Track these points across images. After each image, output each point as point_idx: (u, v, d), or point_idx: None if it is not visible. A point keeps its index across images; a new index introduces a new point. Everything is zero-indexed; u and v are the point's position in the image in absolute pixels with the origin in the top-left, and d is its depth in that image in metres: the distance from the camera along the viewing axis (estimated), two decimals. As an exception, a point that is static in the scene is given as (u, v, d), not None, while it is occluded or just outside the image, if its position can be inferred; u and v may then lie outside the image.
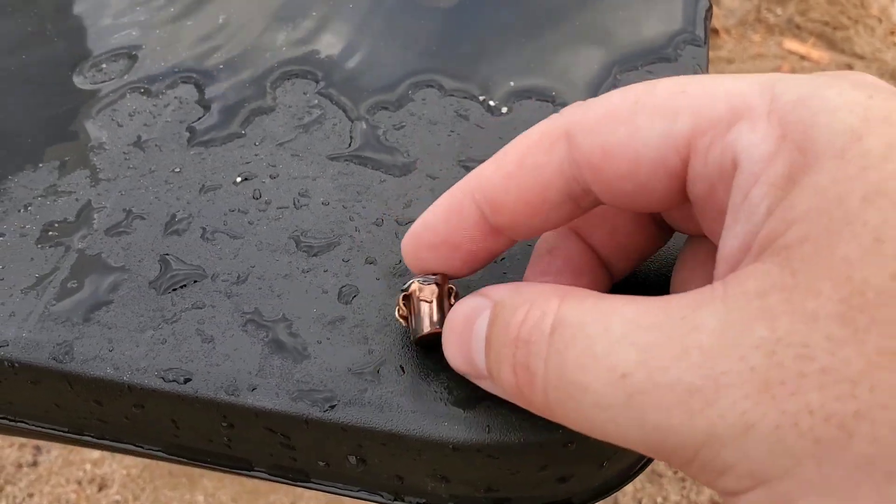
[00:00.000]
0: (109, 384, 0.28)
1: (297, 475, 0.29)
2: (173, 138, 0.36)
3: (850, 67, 1.50)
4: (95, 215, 0.33)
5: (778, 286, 0.18)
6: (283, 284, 0.30)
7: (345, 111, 0.37)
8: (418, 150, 0.35)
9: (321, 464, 0.29)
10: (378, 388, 0.27)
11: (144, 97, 0.38)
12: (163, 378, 0.28)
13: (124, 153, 0.35)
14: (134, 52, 0.40)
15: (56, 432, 0.31)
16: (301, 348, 0.28)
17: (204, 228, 0.32)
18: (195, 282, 0.30)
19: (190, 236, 0.32)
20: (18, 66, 0.40)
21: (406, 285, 0.27)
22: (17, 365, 0.29)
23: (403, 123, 0.36)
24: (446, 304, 0.27)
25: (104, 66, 0.39)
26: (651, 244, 0.28)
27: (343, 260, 0.31)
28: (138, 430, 0.30)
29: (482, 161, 0.34)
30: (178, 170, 0.34)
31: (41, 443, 1.10)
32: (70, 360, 0.28)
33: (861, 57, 1.55)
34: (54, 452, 1.11)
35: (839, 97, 0.20)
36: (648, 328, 0.20)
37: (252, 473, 0.30)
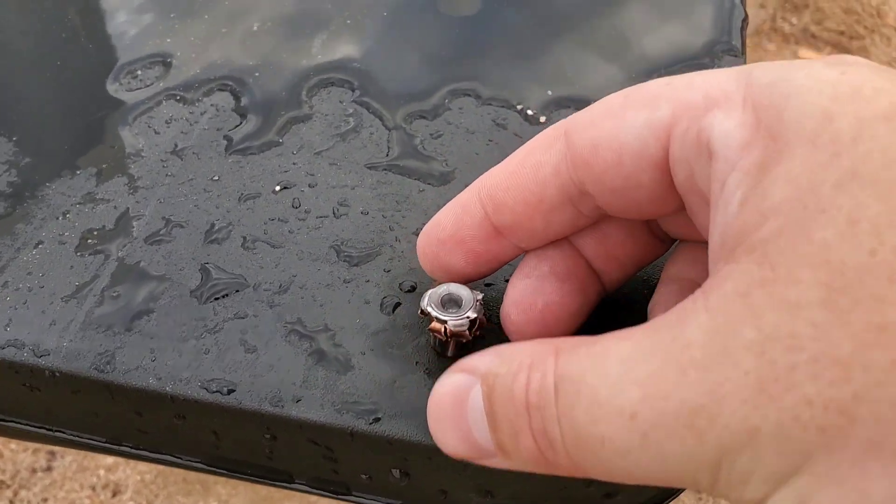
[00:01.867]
0: (152, 395, 0.28)
1: (338, 487, 0.29)
2: (211, 146, 0.36)
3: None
4: (134, 223, 0.33)
5: (758, 282, 0.18)
6: (325, 294, 0.30)
7: (381, 120, 0.36)
8: (456, 159, 0.35)
9: (364, 476, 0.28)
10: (423, 401, 0.27)
11: (181, 104, 0.37)
12: (206, 389, 0.28)
13: (162, 161, 0.35)
14: (169, 59, 0.40)
15: (94, 442, 0.31)
16: (345, 359, 0.28)
17: (244, 237, 0.32)
18: (237, 291, 0.30)
19: (230, 245, 0.32)
20: (53, 73, 0.39)
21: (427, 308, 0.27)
22: (58, 374, 0.29)
23: (441, 132, 0.36)
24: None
25: (139, 72, 0.39)
26: (645, 253, 0.28)
27: (384, 270, 0.31)
28: (178, 441, 0.30)
29: (522, 171, 0.34)
30: (216, 178, 0.34)
31: (56, 448, 1.10)
32: (112, 369, 0.28)
33: (877, 66, 1.54)
34: (68, 458, 1.11)
35: (809, 78, 0.20)
36: (643, 359, 0.19)
37: (293, 486, 0.30)
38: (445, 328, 0.27)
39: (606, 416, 0.20)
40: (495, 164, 0.34)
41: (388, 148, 0.35)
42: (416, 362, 0.28)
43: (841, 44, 1.58)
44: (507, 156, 0.35)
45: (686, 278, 0.26)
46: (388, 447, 0.27)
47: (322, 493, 0.29)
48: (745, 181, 0.20)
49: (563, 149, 0.24)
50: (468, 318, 0.27)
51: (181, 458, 0.30)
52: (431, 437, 0.26)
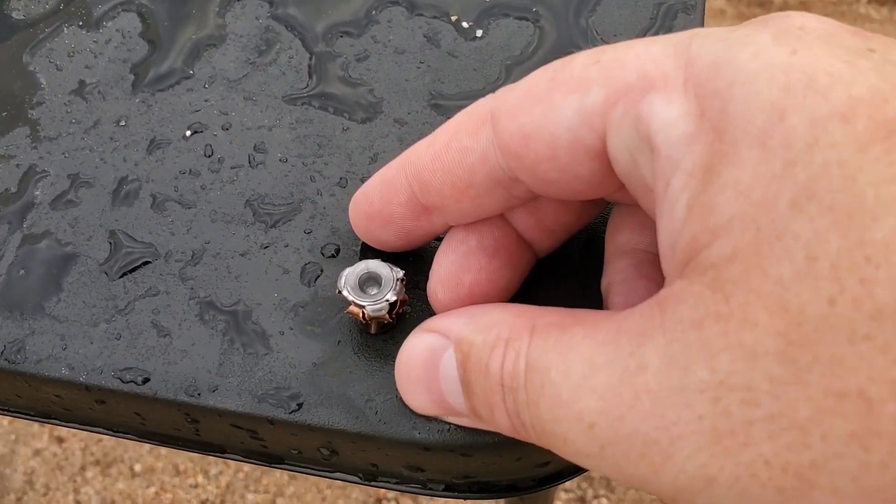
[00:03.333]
0: (66, 384, 0.27)
1: (270, 459, 0.29)
2: (117, 83, 0.32)
3: None
4: (39, 184, 0.30)
5: (712, 315, 0.17)
6: (241, 264, 0.28)
7: (302, 40, 0.33)
8: (384, 87, 0.32)
9: (293, 451, 0.28)
10: (346, 386, 0.26)
11: (84, 31, 0.34)
12: (120, 379, 0.27)
13: (65, 104, 0.32)
14: (67, -29, 0.36)
15: (24, 416, 0.30)
16: (262, 341, 0.27)
17: (154, 196, 0.30)
18: (147, 263, 0.28)
19: (140, 206, 0.30)
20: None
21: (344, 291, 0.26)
22: (-30, 365, 0.27)
23: (367, 53, 0.32)
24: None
25: (36, -10, 0.35)
26: (579, 219, 0.26)
27: (305, 231, 0.29)
28: (105, 418, 0.29)
29: (455, 100, 0.31)
30: (123, 123, 0.31)
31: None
32: (23, 360, 0.27)
33: None
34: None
35: (756, 60, 0.17)
36: (603, 367, 0.19)
37: (226, 456, 0.29)
38: (363, 312, 0.25)
39: (566, 419, 0.19)
40: (426, 93, 0.31)
41: (310, 76, 0.32)
42: (339, 341, 0.27)
43: None
44: (440, 80, 0.32)
45: (638, 249, 0.24)
46: (312, 432, 0.26)
47: (255, 462, 0.29)
48: (691, 184, 0.18)
49: (491, 135, 0.22)
50: (387, 301, 0.25)
51: (112, 432, 0.30)
52: (357, 422, 0.26)
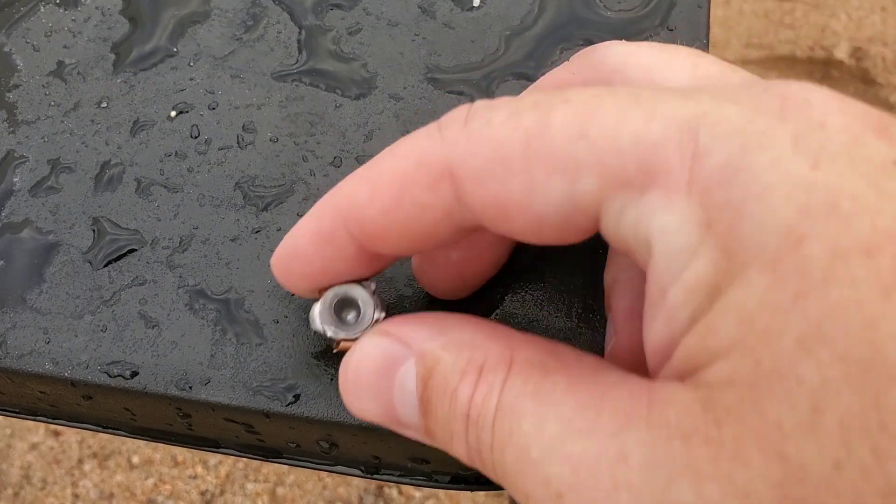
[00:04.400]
0: (51, 380, 0.26)
1: (267, 453, 0.27)
2: (98, 62, 0.31)
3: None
4: (18, 170, 0.29)
5: (701, 435, 0.16)
6: (231, 249, 0.27)
7: (291, 13, 0.31)
8: (378, 61, 0.30)
9: (291, 445, 0.27)
10: (343, 375, 0.24)
11: (61, 9, 0.32)
12: (107, 373, 0.25)
13: (44, 86, 0.31)
14: (43, -53, 0.34)
15: (9, 413, 0.29)
16: (256, 330, 0.25)
17: (138, 181, 0.28)
18: (133, 251, 0.27)
19: (124, 191, 0.28)
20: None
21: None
22: (-51, 361, 0.26)
23: (360, 25, 0.31)
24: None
25: (10, -32, 0.34)
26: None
27: (297, 214, 0.27)
28: (94, 414, 0.28)
29: (452, 73, 0.29)
30: (104, 105, 0.30)
31: None
32: (4, 354, 0.26)
33: None
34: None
35: (774, 171, 0.15)
36: (580, 436, 0.17)
37: (221, 451, 0.28)
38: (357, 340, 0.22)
39: (532, 478, 0.18)
40: (422, 67, 0.30)
41: (299, 51, 0.30)
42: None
43: None
44: (436, 53, 0.30)
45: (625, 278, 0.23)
46: (310, 425, 0.25)
47: (252, 457, 0.28)
48: (692, 301, 0.16)
49: (452, 192, 0.19)
50: (377, 320, 0.22)
51: (101, 428, 0.28)
52: (355, 418, 0.24)
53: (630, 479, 0.16)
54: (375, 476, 0.27)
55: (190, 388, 0.25)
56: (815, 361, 0.14)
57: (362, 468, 0.27)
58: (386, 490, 0.95)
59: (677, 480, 0.16)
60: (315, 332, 0.23)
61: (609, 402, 0.17)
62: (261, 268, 0.26)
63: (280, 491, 0.95)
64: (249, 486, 0.95)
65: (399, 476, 0.27)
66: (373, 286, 0.22)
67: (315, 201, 0.27)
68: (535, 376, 0.18)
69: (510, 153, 0.18)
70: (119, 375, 0.25)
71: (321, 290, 0.22)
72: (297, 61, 0.30)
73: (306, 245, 0.22)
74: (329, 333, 0.22)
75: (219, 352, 0.25)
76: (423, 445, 0.24)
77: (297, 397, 0.25)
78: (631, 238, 0.18)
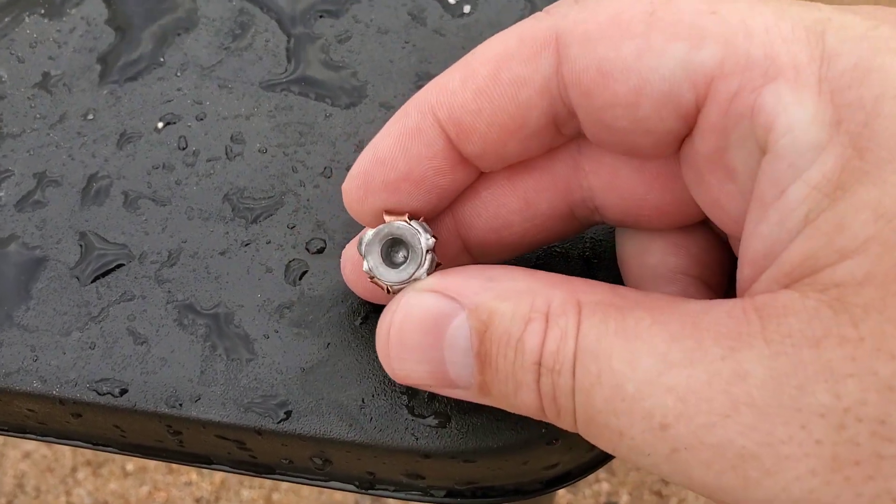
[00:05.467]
0: (39, 398, 0.25)
1: (260, 469, 0.27)
2: (83, 74, 0.30)
3: None
4: (3, 184, 0.28)
5: (834, 336, 0.16)
6: (221, 263, 0.26)
7: (279, 21, 0.31)
8: (368, 69, 0.30)
9: (284, 461, 0.26)
10: (337, 392, 0.24)
11: (46, 20, 0.32)
12: (96, 391, 0.25)
13: (29, 98, 0.30)
14: (27, -43, 0.34)
15: (-2, 431, 0.29)
16: (246, 346, 0.25)
17: (126, 194, 0.28)
18: (121, 265, 0.27)
19: (111, 205, 0.28)
20: None
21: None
22: (-66, 380, 0.26)
23: (349, 33, 0.30)
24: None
25: (-7, -22, 0.33)
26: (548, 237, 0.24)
27: (288, 226, 0.27)
28: (83, 431, 0.27)
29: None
30: (90, 116, 0.29)
31: None
32: (-9, 373, 0.25)
33: None
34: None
35: None
36: (684, 366, 0.17)
37: (213, 467, 0.27)
38: (390, 288, 0.21)
39: (630, 414, 0.17)
40: (412, 75, 0.30)
41: (288, 60, 0.30)
42: (328, 344, 0.25)
43: None
44: (427, 60, 0.30)
45: (675, 272, 0.23)
46: (302, 442, 0.24)
47: (245, 473, 0.27)
48: (814, 197, 0.16)
49: (554, 62, 0.19)
50: (418, 279, 0.21)
51: (91, 445, 0.28)
52: (350, 430, 0.24)
53: (751, 396, 0.16)
54: (370, 491, 0.27)
55: (180, 405, 0.24)
56: None
57: (356, 483, 0.27)
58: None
59: (809, 386, 0.16)
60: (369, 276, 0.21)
61: (707, 329, 0.17)
62: (251, 282, 0.26)
63: (276, 497, 0.94)
64: (245, 493, 0.94)
65: (394, 491, 0.26)
66: (431, 241, 0.21)
67: (306, 213, 0.27)
68: (612, 315, 0.18)
69: (631, 18, 0.18)
70: (108, 393, 0.25)
71: (388, 212, 0.21)
72: (286, 70, 0.30)
73: (391, 145, 0.21)
74: (366, 266, 0.21)
75: (209, 368, 0.25)
76: (417, 461, 0.24)
77: (288, 414, 0.24)
78: (740, 125, 0.17)
